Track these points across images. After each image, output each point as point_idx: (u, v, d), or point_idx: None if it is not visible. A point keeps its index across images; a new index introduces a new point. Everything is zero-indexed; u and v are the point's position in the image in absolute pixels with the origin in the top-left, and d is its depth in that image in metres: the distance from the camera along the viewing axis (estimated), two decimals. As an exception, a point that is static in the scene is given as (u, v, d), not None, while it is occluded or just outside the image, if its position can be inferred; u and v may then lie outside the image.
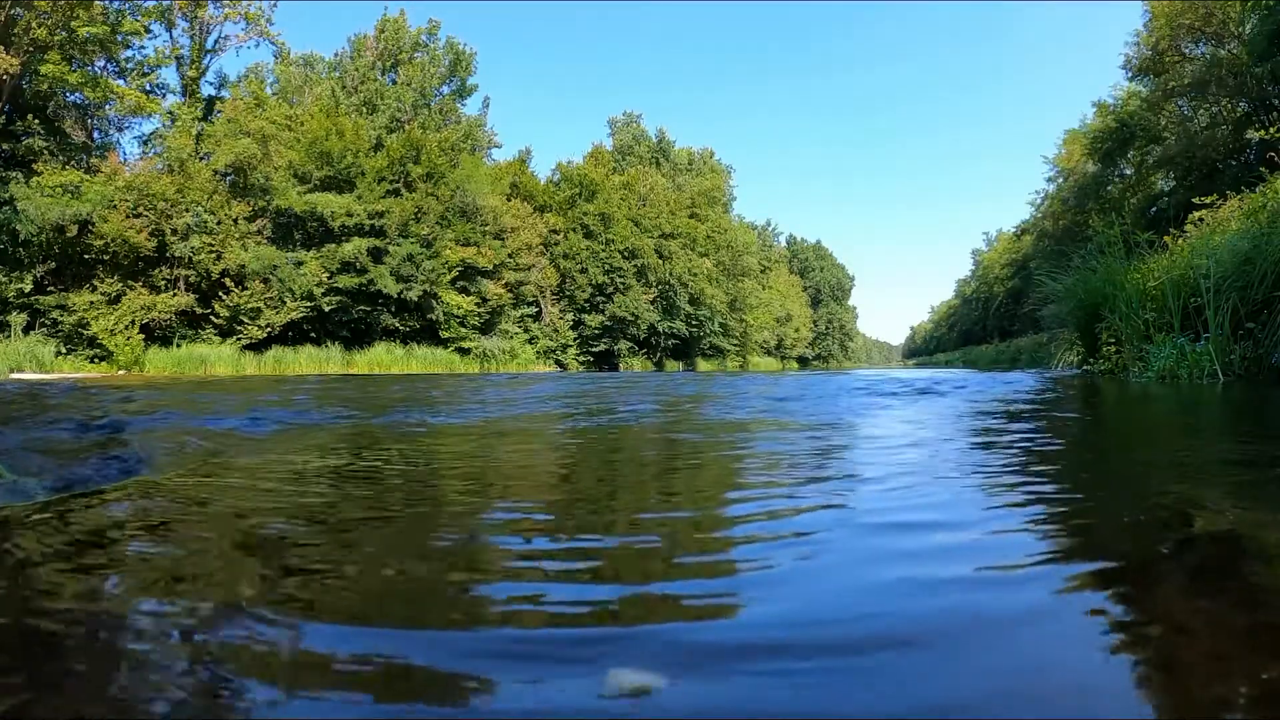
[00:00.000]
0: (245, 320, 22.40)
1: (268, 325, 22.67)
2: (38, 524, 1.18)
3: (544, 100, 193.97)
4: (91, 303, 19.76)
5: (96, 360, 19.56)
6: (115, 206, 20.22)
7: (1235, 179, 14.28)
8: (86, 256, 20.14)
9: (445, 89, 35.19)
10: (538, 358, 32.00)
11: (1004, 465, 1.79)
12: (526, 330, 32.53)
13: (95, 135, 23.24)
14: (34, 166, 19.99)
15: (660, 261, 41.34)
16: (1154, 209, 26.00)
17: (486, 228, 29.94)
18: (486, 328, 29.27)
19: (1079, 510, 1.29)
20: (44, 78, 20.18)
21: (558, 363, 33.68)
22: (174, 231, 21.18)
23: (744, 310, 52.60)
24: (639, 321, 38.94)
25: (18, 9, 19.28)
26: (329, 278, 24.43)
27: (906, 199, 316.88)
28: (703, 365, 43.50)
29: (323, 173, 26.21)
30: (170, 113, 23.79)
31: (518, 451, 2.40)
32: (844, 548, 0.99)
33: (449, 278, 27.34)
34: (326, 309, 24.52)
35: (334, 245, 25.08)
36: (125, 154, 24.19)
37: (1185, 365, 6.19)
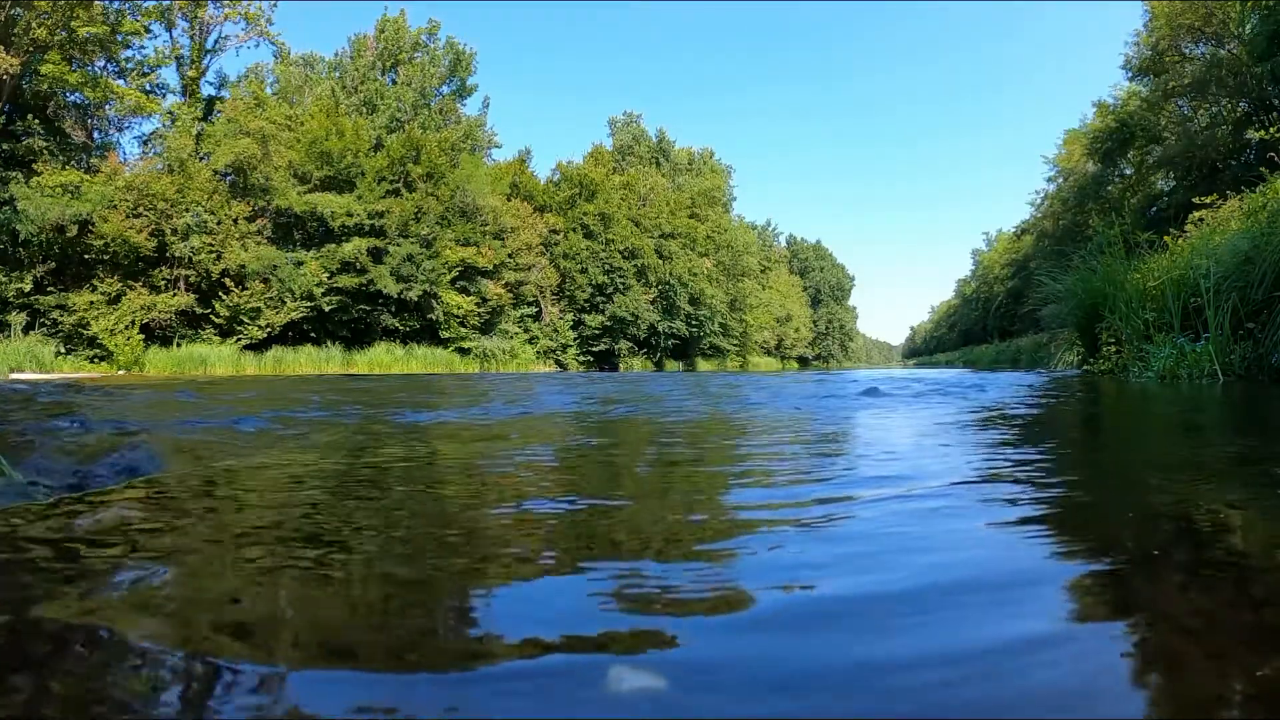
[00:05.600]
0: (245, 320, 22.41)
1: (268, 325, 22.68)
2: (39, 524, 1.18)
3: (544, 100, 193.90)
4: (91, 303, 19.77)
5: (96, 360, 19.57)
6: (115, 206, 20.23)
7: (1235, 179, 14.28)
8: (86, 256, 20.14)
9: (445, 89, 35.22)
10: (538, 358, 32.02)
11: (1004, 464, 1.79)
12: (526, 330, 32.54)
13: (95, 135, 23.25)
14: (34, 166, 20.00)
15: (660, 261, 41.36)
16: (1154, 209, 26.00)
17: (486, 228, 29.95)
18: (486, 328, 29.28)
19: (1079, 509, 1.29)
20: (44, 78, 20.19)
21: (558, 363, 33.69)
22: (174, 231, 21.19)
23: (744, 310, 52.62)
24: (639, 321, 38.95)
25: (18, 9, 19.28)
26: (329, 278, 24.44)
27: (906, 199, 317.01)
28: (702, 365, 43.50)
29: (323, 173, 26.22)
30: (170, 113, 23.81)
31: (521, 452, 2.40)
32: (845, 545, 0.99)
33: (449, 278, 27.34)
34: (326, 309, 24.52)
35: (334, 245, 25.09)
36: (125, 154, 24.23)
37: (1185, 365, 6.19)
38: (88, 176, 20.57)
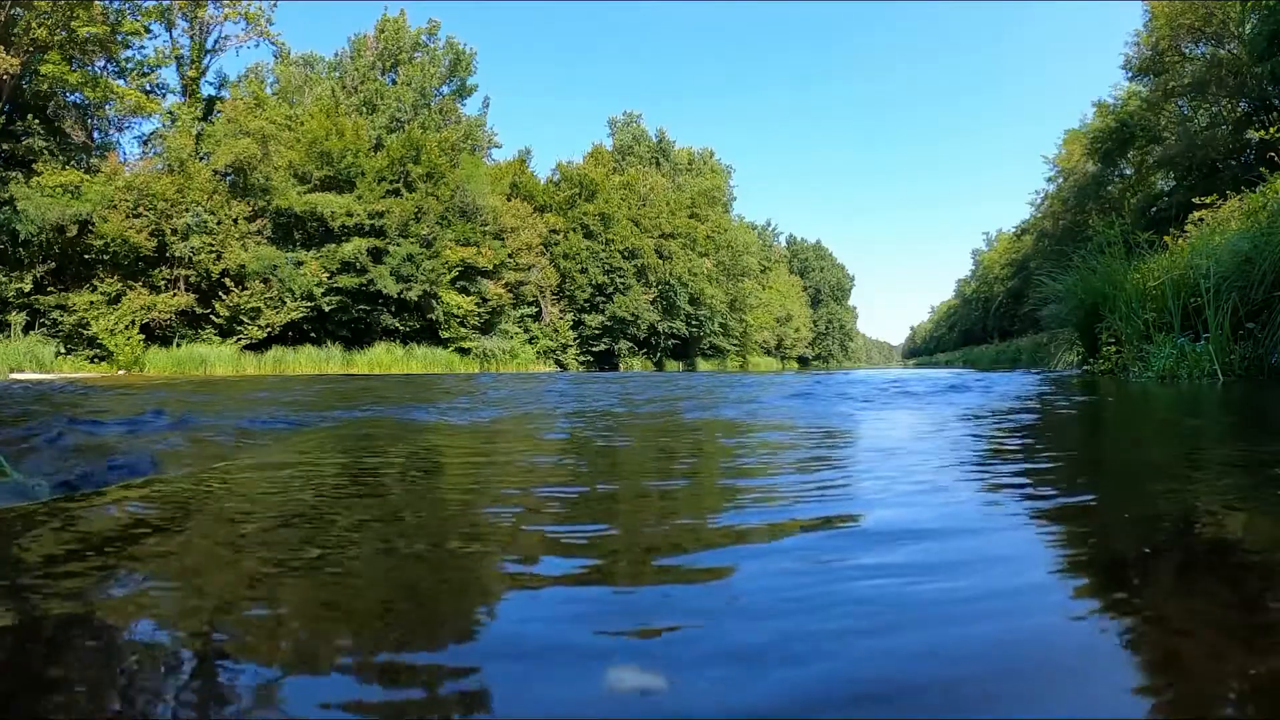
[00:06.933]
0: (245, 320, 22.41)
1: (268, 325, 22.67)
2: (39, 524, 1.18)
3: (544, 100, 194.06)
4: (91, 303, 19.76)
5: (96, 360, 19.56)
6: (115, 206, 20.23)
7: (1235, 179, 14.27)
8: (86, 256, 20.14)
9: (445, 89, 35.21)
10: (538, 358, 32.01)
11: (1003, 464, 1.79)
12: (526, 330, 32.53)
13: (95, 135, 23.23)
14: (34, 166, 19.99)
15: (660, 261, 41.36)
16: (1154, 209, 26.00)
17: (486, 228, 29.94)
18: (486, 328, 29.27)
19: (1078, 509, 1.29)
20: (44, 78, 20.19)
21: (558, 363, 33.69)
22: (174, 231, 21.18)
23: (744, 310, 52.61)
24: (639, 321, 38.94)
25: (18, 9, 19.28)
26: (329, 278, 24.43)
27: (906, 199, 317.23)
28: (702, 365, 43.51)
29: (323, 173, 26.21)
30: (170, 113, 23.80)
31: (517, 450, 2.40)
32: (844, 543, 0.99)
33: (449, 278, 27.34)
34: (326, 309, 24.52)
35: (334, 245, 25.08)
36: (125, 154, 24.20)
37: (1185, 365, 6.19)
38: (88, 176, 20.56)
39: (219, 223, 22.18)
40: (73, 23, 19.92)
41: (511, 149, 64.43)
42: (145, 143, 24.19)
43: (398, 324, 26.57)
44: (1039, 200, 44.25)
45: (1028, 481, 1.54)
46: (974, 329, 63.96)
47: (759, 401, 4.53)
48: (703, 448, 2.38)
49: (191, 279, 22.07)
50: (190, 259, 21.59)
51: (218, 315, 22.14)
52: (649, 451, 2.36)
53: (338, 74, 33.84)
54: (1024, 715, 0.55)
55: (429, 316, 27.16)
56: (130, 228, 20.16)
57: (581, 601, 0.79)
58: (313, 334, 24.72)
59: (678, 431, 2.93)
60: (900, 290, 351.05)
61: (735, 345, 50.43)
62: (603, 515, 1.29)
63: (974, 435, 2.53)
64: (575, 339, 35.87)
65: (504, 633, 0.73)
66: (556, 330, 34.62)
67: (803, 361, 71.33)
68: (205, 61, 25.65)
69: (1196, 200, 10.85)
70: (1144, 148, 27.22)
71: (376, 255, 25.97)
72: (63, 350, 19.26)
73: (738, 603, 0.77)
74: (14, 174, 19.70)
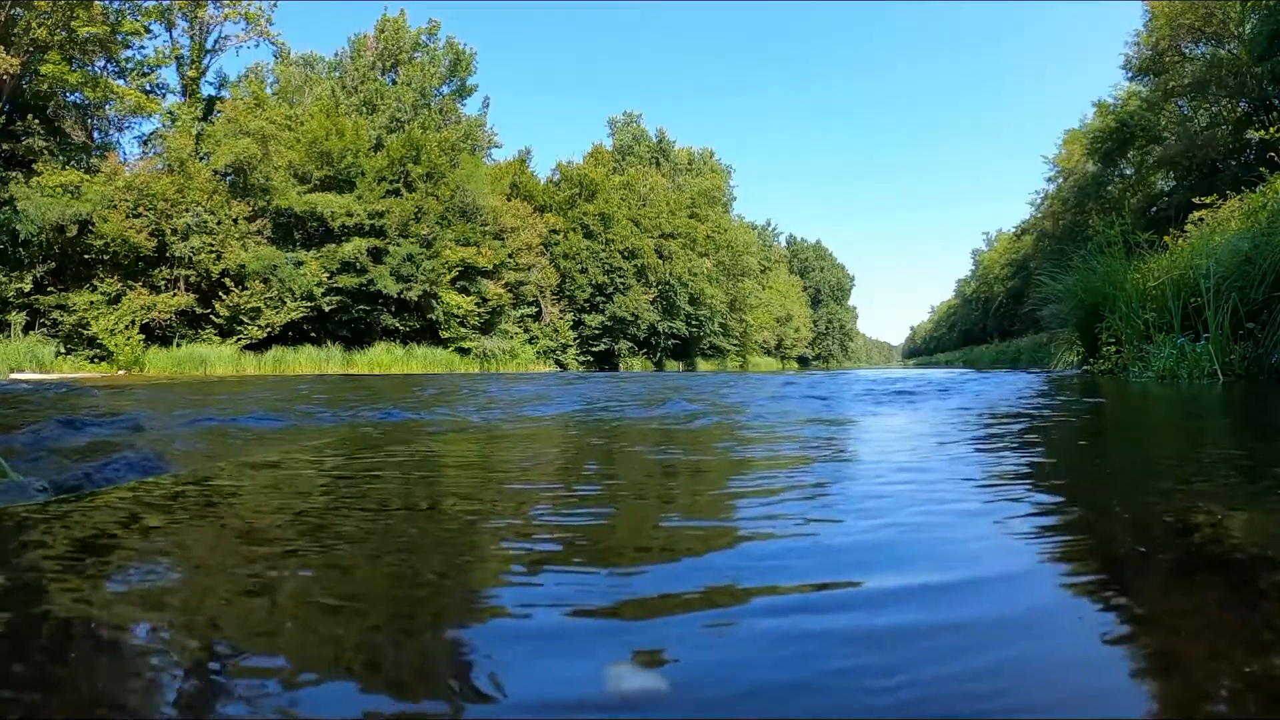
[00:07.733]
0: (245, 320, 22.41)
1: (268, 325, 22.67)
2: (39, 524, 1.18)
3: (544, 100, 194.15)
4: (91, 303, 19.77)
5: (96, 360, 19.57)
6: (115, 206, 20.24)
7: (1235, 179, 14.28)
8: (86, 256, 20.15)
9: (445, 89, 35.21)
10: (538, 358, 32.02)
11: (1003, 464, 1.79)
12: (526, 330, 32.54)
13: (95, 135, 23.24)
14: (34, 166, 20.00)
15: (660, 261, 41.37)
16: (1154, 209, 26.00)
17: (486, 228, 29.95)
18: (486, 328, 29.27)
19: (1077, 509, 1.29)
20: (44, 78, 20.20)
21: (558, 363, 33.69)
22: (174, 231, 21.19)
23: (744, 310, 52.62)
24: (639, 321, 38.95)
25: (18, 9, 19.29)
26: (329, 278, 24.44)
27: (906, 199, 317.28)
28: (703, 365, 43.52)
29: (323, 173, 26.22)
30: (170, 113, 23.80)
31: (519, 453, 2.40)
32: (843, 542, 0.99)
33: (449, 278, 27.34)
34: (326, 309, 24.52)
35: (334, 245, 25.09)
36: (125, 154, 24.21)
37: (1185, 365, 6.19)
38: (88, 176, 20.57)
39: (219, 223, 22.18)
40: (73, 23, 19.93)
41: (511, 149, 64.55)
42: (145, 143, 24.22)
43: (398, 324, 26.57)
44: (1039, 200, 44.27)
45: (1032, 493, 1.54)
46: (974, 329, 63.99)
47: (752, 404, 4.53)
48: (686, 463, 2.38)
49: (191, 279, 22.07)
50: (190, 259, 21.59)
51: (218, 315, 22.14)
52: (637, 462, 2.35)
53: (338, 74, 33.84)
54: None
55: (429, 316, 27.16)
56: (130, 228, 20.17)
57: (581, 656, 0.73)
58: (313, 334, 24.73)
59: (667, 439, 2.93)
60: (900, 290, 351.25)
61: (735, 345, 50.44)
62: (596, 533, 1.29)
63: (975, 439, 2.53)
64: (575, 339, 35.87)
65: (506, 629, 0.73)
66: (556, 330, 34.62)
67: (803, 361, 71.34)
68: (205, 61, 25.67)
69: (1196, 200, 10.85)
70: (1144, 148, 27.23)
71: (376, 255, 25.97)
72: (63, 350, 19.27)
73: (755, 687, 0.60)
74: (14, 174, 19.71)
